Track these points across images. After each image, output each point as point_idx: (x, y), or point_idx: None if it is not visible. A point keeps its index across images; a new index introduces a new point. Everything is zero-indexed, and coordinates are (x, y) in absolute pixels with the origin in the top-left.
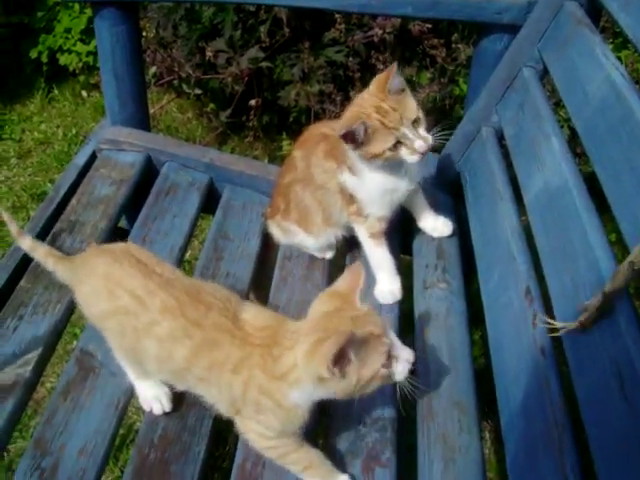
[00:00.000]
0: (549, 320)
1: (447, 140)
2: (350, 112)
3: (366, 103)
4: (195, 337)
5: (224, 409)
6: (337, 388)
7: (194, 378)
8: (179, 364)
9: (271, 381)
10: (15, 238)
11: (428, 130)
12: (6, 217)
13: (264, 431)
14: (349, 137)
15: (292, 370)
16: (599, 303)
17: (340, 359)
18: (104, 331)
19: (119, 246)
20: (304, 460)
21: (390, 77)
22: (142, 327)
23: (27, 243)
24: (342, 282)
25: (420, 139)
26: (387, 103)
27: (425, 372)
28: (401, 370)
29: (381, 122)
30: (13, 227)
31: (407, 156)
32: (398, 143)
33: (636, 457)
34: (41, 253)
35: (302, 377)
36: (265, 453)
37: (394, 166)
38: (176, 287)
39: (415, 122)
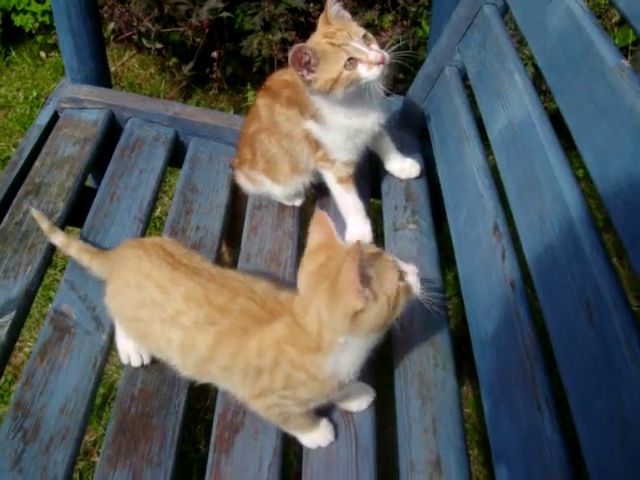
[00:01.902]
0: None
1: (404, 57)
2: None
3: (314, 38)
4: (220, 323)
5: (245, 394)
6: (373, 318)
7: (217, 368)
8: (202, 353)
9: (305, 354)
10: (47, 235)
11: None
12: (36, 215)
13: (282, 402)
14: (299, 61)
15: (321, 334)
16: None
17: (364, 279)
18: (133, 324)
19: (151, 239)
20: (300, 419)
21: (329, 4)
22: (168, 317)
23: (60, 239)
24: (315, 236)
25: (373, 50)
26: (332, 27)
27: None
28: (414, 282)
29: (330, 43)
30: (44, 224)
31: (366, 73)
32: (352, 60)
33: (605, 383)
34: (75, 249)
35: (334, 331)
36: (267, 416)
37: (357, 104)
38: (202, 275)
39: (365, 38)
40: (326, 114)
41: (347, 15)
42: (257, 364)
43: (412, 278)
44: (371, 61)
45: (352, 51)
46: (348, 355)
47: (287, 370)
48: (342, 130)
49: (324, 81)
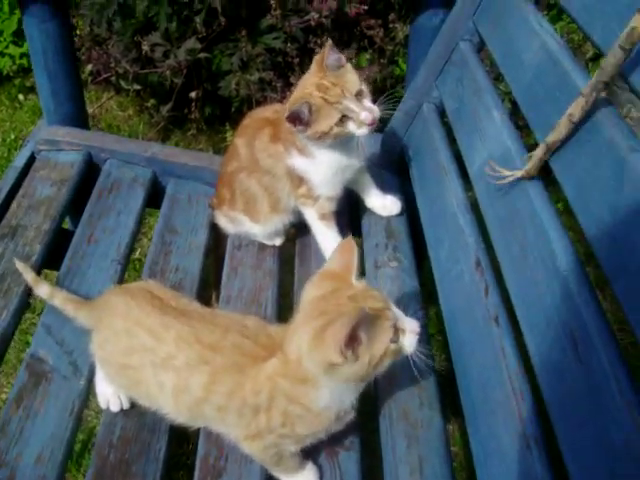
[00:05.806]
0: (497, 168)
1: (394, 110)
2: (294, 95)
3: (307, 83)
4: (213, 362)
5: (240, 435)
6: (349, 373)
7: (212, 409)
8: (197, 394)
9: (296, 386)
10: (32, 286)
11: (373, 102)
12: (20, 266)
13: (280, 441)
14: (295, 118)
15: (301, 365)
16: (543, 153)
17: (351, 341)
18: (123, 371)
19: (137, 284)
20: (291, 461)
21: (326, 54)
22: (159, 361)
23: (45, 290)
24: (334, 261)
25: (365, 110)
26: (327, 80)
27: None
28: (409, 342)
29: (323, 99)
30: (29, 276)
31: (356, 130)
32: (344, 117)
33: (592, 417)
34: (59, 300)
35: (309, 369)
36: (261, 457)
37: (345, 142)
38: (191, 316)
39: (359, 95)
40: (314, 150)
41: (343, 59)
42: (253, 402)
43: (409, 337)
44: (362, 121)
45: (344, 110)
46: (336, 391)
47: (283, 405)
48: (331, 164)
49: (314, 132)
